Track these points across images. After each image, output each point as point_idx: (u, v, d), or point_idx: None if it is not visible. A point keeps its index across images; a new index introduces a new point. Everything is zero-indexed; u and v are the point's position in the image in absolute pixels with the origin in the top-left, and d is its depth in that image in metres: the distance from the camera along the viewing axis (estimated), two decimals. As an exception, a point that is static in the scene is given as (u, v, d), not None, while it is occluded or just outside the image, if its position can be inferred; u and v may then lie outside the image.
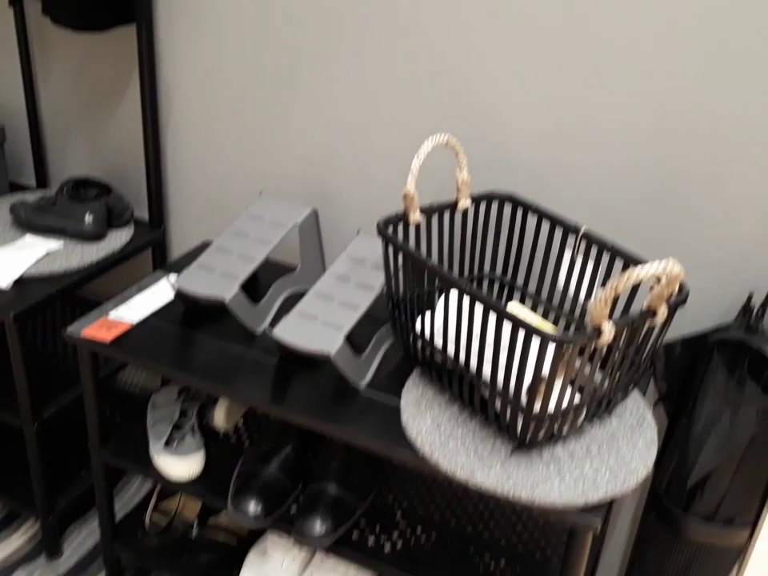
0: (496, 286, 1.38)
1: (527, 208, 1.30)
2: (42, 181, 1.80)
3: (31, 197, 1.70)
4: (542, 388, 1.07)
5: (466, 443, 1.13)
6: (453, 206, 1.29)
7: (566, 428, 1.13)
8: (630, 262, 1.16)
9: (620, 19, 1.20)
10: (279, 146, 1.52)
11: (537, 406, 1.07)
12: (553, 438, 1.14)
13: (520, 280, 1.39)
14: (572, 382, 1.12)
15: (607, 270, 1.20)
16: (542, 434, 1.10)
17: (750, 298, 1.23)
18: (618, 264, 1.25)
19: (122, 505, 1.80)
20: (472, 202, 1.31)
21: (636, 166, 1.28)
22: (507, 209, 1.39)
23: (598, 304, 0.99)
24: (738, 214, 1.24)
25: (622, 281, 0.96)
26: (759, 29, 1.13)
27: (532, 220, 1.38)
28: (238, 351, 1.31)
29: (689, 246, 1.30)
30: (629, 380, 1.16)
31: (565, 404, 1.09)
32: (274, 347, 1.31)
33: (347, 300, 1.25)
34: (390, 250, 1.19)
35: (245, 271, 1.31)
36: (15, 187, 1.80)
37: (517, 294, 1.36)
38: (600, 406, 1.15)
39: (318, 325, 1.21)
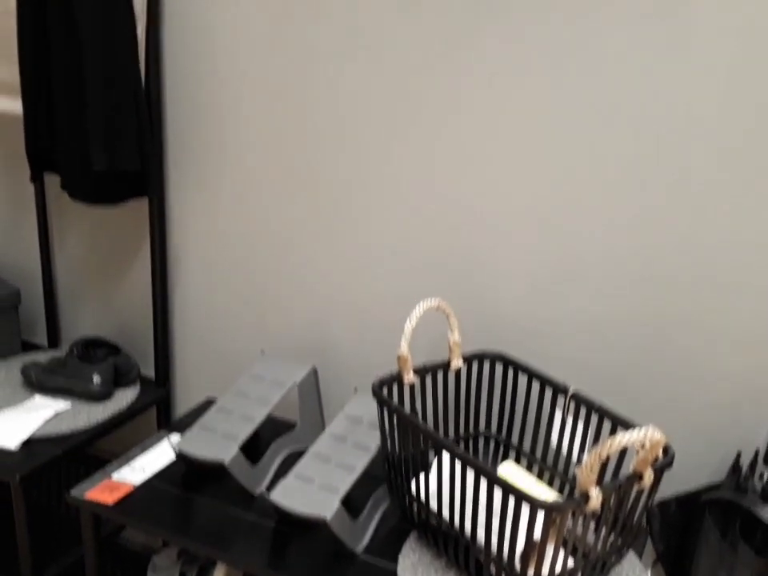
0: (492, 444, 1.41)
1: (517, 367, 1.35)
2: (54, 340, 1.87)
3: (42, 357, 1.76)
4: (535, 553, 1.08)
5: (462, 610, 1.13)
6: (446, 366, 1.35)
7: (561, 593, 1.13)
8: (618, 423, 1.20)
9: (603, 178, 1.29)
10: (280, 305, 1.59)
11: (530, 572, 1.08)
12: (549, 603, 1.14)
13: (515, 438, 1.42)
14: (565, 545, 1.13)
15: (597, 429, 1.23)
16: (537, 600, 1.10)
17: (738, 457, 1.26)
18: (607, 424, 1.28)
19: None
20: (464, 361, 1.36)
21: (623, 325, 1.34)
22: (498, 368, 1.44)
23: (584, 470, 1.01)
24: (725, 372, 1.29)
25: (605, 448, 1.00)
26: (745, 190, 1.21)
27: (523, 378, 1.42)
28: (236, 513, 1.32)
29: (677, 404, 1.34)
30: (622, 542, 1.16)
31: (558, 568, 1.09)
32: (272, 509, 1.33)
33: (344, 461, 1.28)
34: (385, 411, 1.23)
35: (244, 432, 1.35)
36: (27, 346, 1.87)
37: (512, 453, 1.39)
38: (594, 569, 1.15)
39: (314, 488, 1.23)
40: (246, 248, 1.59)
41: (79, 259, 1.79)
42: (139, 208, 1.67)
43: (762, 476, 1.25)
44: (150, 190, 1.56)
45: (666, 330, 1.30)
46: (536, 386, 1.40)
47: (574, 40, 1.23)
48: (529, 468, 1.36)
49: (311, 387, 1.49)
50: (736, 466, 1.26)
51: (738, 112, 1.17)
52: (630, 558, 1.25)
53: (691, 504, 1.33)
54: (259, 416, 1.39)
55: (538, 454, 1.38)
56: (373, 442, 1.32)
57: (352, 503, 1.31)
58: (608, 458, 1.21)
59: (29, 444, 1.47)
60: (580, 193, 1.30)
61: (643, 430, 1.01)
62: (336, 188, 1.47)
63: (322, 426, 1.54)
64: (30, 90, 1.47)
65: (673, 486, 1.38)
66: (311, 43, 1.41)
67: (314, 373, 1.50)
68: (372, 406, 1.40)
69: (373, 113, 1.40)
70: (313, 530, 1.29)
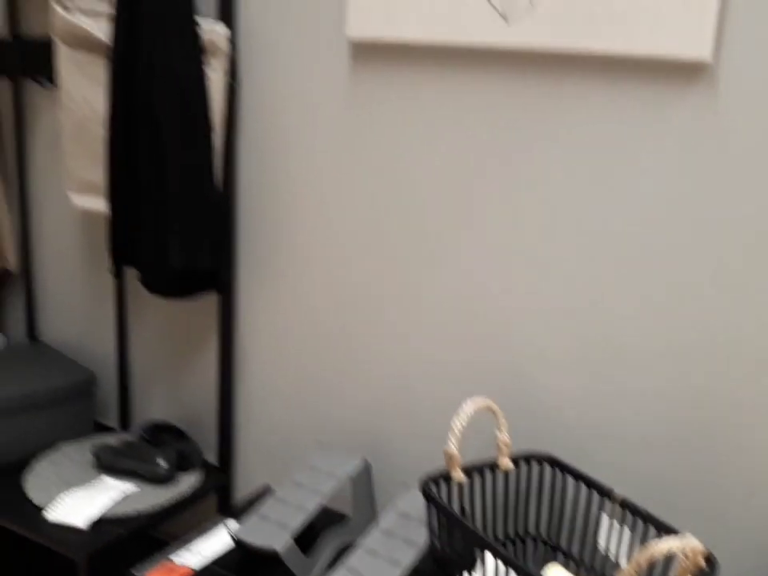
0: (540, 546, 1.43)
1: (565, 469, 1.38)
2: (125, 423, 1.97)
3: (112, 439, 1.86)
4: None
5: None
6: (494, 465, 1.38)
7: None
8: (662, 530, 1.21)
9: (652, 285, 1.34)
10: (337, 398, 1.66)
11: None
12: None
13: (563, 541, 1.43)
14: None
15: (643, 536, 1.25)
16: None
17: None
18: (653, 531, 1.29)
19: None
20: (513, 461, 1.40)
21: (671, 430, 1.36)
22: (547, 469, 1.47)
23: (625, 578, 1.03)
24: (770, 483, 1.29)
25: (643, 556, 1.02)
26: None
27: (571, 480, 1.45)
28: (288, 602, 1.37)
29: (724, 511, 1.34)
30: None
31: None
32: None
33: (392, 556, 1.32)
34: (432, 508, 1.27)
35: (297, 521, 1.40)
36: (100, 427, 1.98)
37: (560, 556, 1.40)
38: None
39: (363, 581, 1.27)
40: (305, 342, 1.67)
41: (152, 347, 1.90)
42: (209, 302, 1.78)
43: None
44: (219, 287, 1.68)
45: (712, 427, 1.32)
46: (584, 489, 1.42)
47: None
48: (576, 572, 1.36)
49: (364, 480, 1.54)
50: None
51: (780, 229, 1.22)
52: None
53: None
54: (312, 506, 1.44)
55: (586, 558, 1.39)
56: (421, 537, 1.36)
57: (399, 598, 1.34)
58: (652, 566, 1.22)
59: (97, 523, 1.55)
60: (622, 312, 1.35)
61: (680, 538, 1.03)
62: (392, 289, 1.55)
63: (373, 517, 1.58)
64: (114, 192, 1.61)
65: (724, 596, 1.37)
66: (378, 154, 1.51)
67: (368, 466, 1.55)
68: (421, 500, 1.44)
69: (438, 208, 1.49)
70: (360, 623, 1.32)
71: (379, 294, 1.57)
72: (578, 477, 1.36)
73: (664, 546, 1.03)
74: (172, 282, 1.65)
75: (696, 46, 1.22)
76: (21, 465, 1.75)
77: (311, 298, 1.65)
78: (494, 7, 1.32)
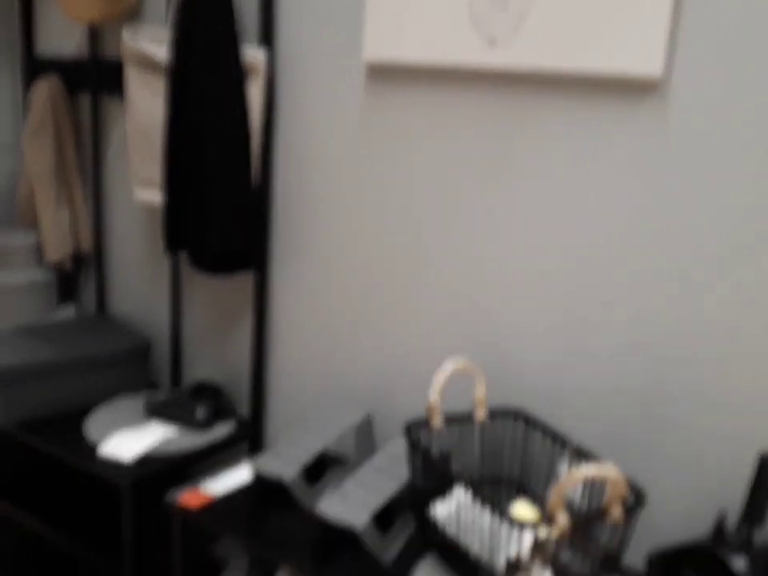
0: (513, 488, 1.65)
1: (533, 423, 1.60)
2: (176, 381, 2.28)
3: (162, 394, 2.17)
4: (518, 568, 1.31)
5: (457, 611, 1.37)
6: (471, 417, 1.62)
7: (543, 608, 1.35)
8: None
9: (627, 263, 1.56)
10: (351, 363, 1.92)
11: (510, 581, 1.31)
12: (532, 615, 1.35)
13: (531, 483, 1.66)
14: (551, 568, 1.35)
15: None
16: (518, 608, 1.33)
17: (721, 515, 1.44)
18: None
19: None
20: (488, 414, 1.63)
21: (623, 391, 1.57)
22: (519, 423, 1.69)
23: (553, 497, 1.26)
24: (717, 438, 1.49)
25: (569, 478, 1.24)
26: None
27: (539, 432, 1.67)
28: (295, 525, 1.62)
29: (671, 459, 1.54)
30: (601, 570, 1.37)
31: (536, 582, 1.32)
32: (323, 522, 1.62)
33: (378, 486, 1.57)
34: (413, 449, 1.52)
35: (304, 458, 1.67)
36: (153, 385, 2.29)
37: (529, 496, 1.63)
38: (572, 590, 1.37)
39: (351, 504, 1.52)
40: (327, 316, 1.94)
41: (199, 318, 2.21)
42: (246, 280, 2.07)
43: (739, 529, 1.42)
44: (254, 266, 1.96)
45: (665, 401, 1.53)
46: (549, 440, 1.64)
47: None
48: (541, 508, 1.58)
49: (366, 430, 1.80)
50: (719, 523, 1.44)
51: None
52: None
53: (677, 556, 1.50)
54: (318, 447, 1.70)
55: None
56: (404, 474, 1.60)
57: (384, 522, 1.58)
58: (591, 497, 1.44)
59: (141, 459, 1.85)
60: (605, 279, 1.58)
61: (599, 466, 1.25)
62: (404, 261, 1.81)
63: (375, 465, 1.83)
64: (168, 186, 1.92)
65: (663, 537, 1.57)
66: (396, 156, 1.78)
67: (370, 419, 1.81)
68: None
69: (435, 204, 1.74)
70: (353, 541, 1.57)
71: (385, 276, 1.83)
72: (544, 429, 1.59)
73: (585, 471, 1.25)
74: (213, 261, 1.94)
75: (647, 63, 1.42)
76: (83, 413, 2.07)
77: (334, 279, 1.92)
78: (480, 33, 1.57)
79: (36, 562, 2.26)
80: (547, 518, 1.27)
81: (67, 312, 2.42)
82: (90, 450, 1.89)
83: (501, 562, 1.32)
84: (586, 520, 1.31)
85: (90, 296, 2.48)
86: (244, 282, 2.09)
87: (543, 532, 1.30)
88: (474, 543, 1.39)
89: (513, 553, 1.30)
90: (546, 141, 1.57)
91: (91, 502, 2.15)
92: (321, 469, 1.78)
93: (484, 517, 1.36)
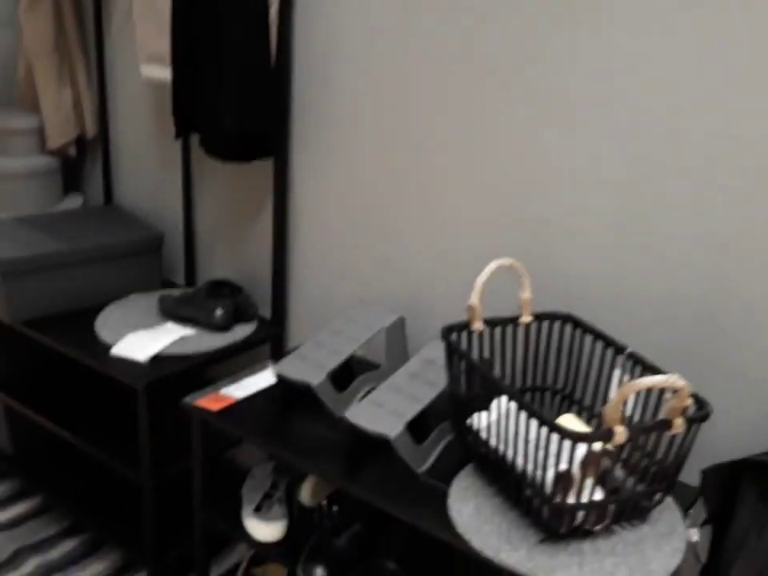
0: (557, 398, 1.53)
1: (583, 327, 1.46)
2: (190, 280, 2.15)
3: (177, 292, 2.04)
4: (567, 482, 1.19)
5: (501, 529, 1.26)
6: (515, 321, 1.48)
7: (595, 525, 1.24)
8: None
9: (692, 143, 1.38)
10: (382, 261, 1.77)
11: (560, 497, 1.20)
12: (582, 533, 1.25)
13: (578, 393, 1.53)
14: (602, 484, 1.24)
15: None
16: (568, 525, 1.22)
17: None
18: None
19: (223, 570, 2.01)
20: (534, 319, 1.49)
21: (682, 300, 1.42)
22: (567, 327, 1.55)
23: (611, 408, 1.13)
24: (778, 345, 1.35)
25: (629, 388, 1.10)
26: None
27: (588, 338, 1.53)
28: (322, 432, 1.52)
29: (732, 373, 1.40)
30: (655, 488, 1.26)
31: (586, 497, 1.20)
32: (351, 430, 1.51)
33: (413, 393, 1.44)
34: (451, 354, 1.38)
35: (333, 362, 1.54)
36: (167, 284, 2.16)
37: (575, 407, 1.50)
38: (625, 508, 1.25)
39: (384, 412, 1.40)
40: (353, 209, 1.78)
41: (215, 210, 2.05)
42: (265, 167, 1.90)
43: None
44: (274, 151, 1.79)
45: (726, 312, 1.37)
46: (599, 345, 1.50)
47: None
48: (587, 422, 1.46)
49: (398, 333, 1.67)
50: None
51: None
52: (672, 508, 1.34)
53: (740, 468, 1.39)
54: (347, 351, 1.57)
55: (597, 409, 1.48)
56: (442, 380, 1.48)
57: (419, 431, 1.47)
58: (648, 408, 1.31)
59: (156, 360, 1.73)
60: (666, 161, 1.39)
61: (666, 377, 1.11)
62: (433, 155, 1.63)
63: (405, 368, 1.71)
64: (178, 60, 1.72)
65: (728, 453, 1.44)
66: (423, 34, 1.57)
67: (402, 321, 1.67)
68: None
69: (469, 90, 1.55)
70: (384, 450, 1.46)
71: (422, 169, 1.65)
72: (595, 334, 1.44)
73: (648, 381, 1.11)
74: (229, 145, 1.76)
75: None
76: (95, 311, 1.95)
77: (358, 168, 1.74)
78: None
79: (61, 468, 2.19)
80: (601, 430, 1.14)
81: (73, 202, 2.27)
82: (104, 349, 1.77)
83: (548, 477, 1.21)
84: (646, 432, 1.18)
85: (97, 185, 2.31)
86: (262, 171, 1.91)
87: (597, 445, 1.18)
88: (518, 456, 1.28)
89: (561, 467, 1.18)
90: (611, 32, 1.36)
91: (107, 404, 2.06)
92: (349, 374, 1.66)
93: (530, 428, 1.24)
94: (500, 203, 1.57)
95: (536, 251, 1.56)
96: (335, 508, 1.65)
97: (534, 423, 1.31)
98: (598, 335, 1.44)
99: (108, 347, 1.77)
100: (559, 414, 1.52)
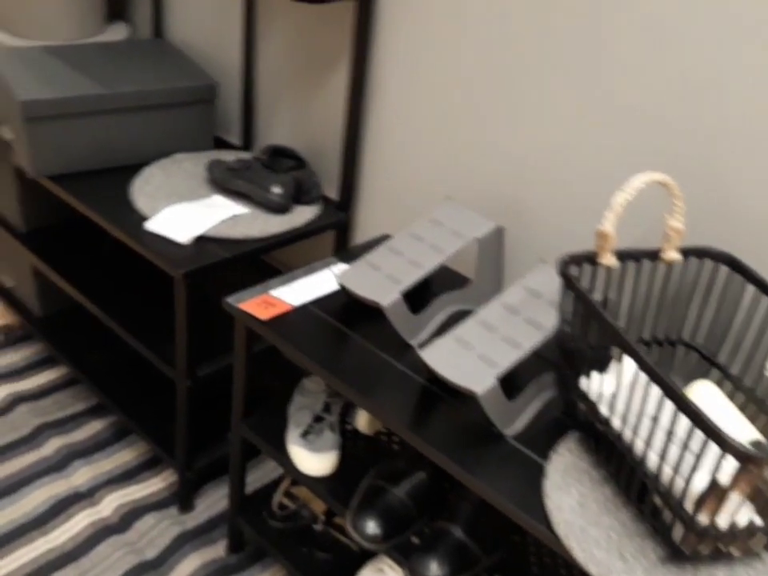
0: (694, 356, 1.19)
1: (747, 275, 1.10)
2: (247, 142, 1.81)
3: (230, 156, 1.71)
4: (714, 499, 0.89)
5: (610, 536, 0.97)
6: (656, 256, 1.12)
7: (736, 550, 0.94)
8: None
9: None
10: (474, 155, 1.40)
11: (703, 518, 0.89)
12: (718, 556, 0.95)
13: (723, 356, 1.18)
14: (753, 500, 0.93)
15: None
16: (704, 549, 0.92)
17: None
18: None
19: (257, 477, 1.79)
20: (681, 255, 1.13)
21: None
22: (723, 269, 1.18)
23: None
24: None
25: None
26: None
27: (749, 289, 1.16)
28: (387, 360, 1.22)
29: None
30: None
31: (741, 524, 0.90)
32: (423, 365, 1.21)
33: (511, 336, 1.12)
34: (570, 292, 1.05)
35: (410, 278, 1.22)
36: (221, 143, 1.83)
37: (715, 372, 1.16)
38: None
39: (471, 357, 1.09)
40: (447, 85, 1.39)
41: (280, 61, 1.67)
42: (345, 10, 1.50)
43: None
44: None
45: None
46: (765, 300, 1.14)
47: None
48: (731, 394, 1.13)
49: (494, 246, 1.32)
50: None
51: None
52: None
53: None
54: (429, 264, 1.25)
55: (747, 381, 1.14)
56: (549, 321, 1.15)
57: (511, 382, 1.17)
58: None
59: (200, 241, 1.44)
60: None
61: None
62: (556, 32, 1.21)
63: (498, 289, 1.38)
64: None
65: None
66: None
67: (500, 232, 1.32)
68: (556, 282, 1.21)
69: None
70: (463, 398, 1.16)
71: (541, 45, 1.24)
72: (761, 284, 1.08)
73: None
74: (305, -22, 1.37)
75: None
76: (132, 170, 1.64)
77: (462, 36, 1.33)
78: None
79: (91, 339, 1.97)
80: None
81: (117, 32, 1.91)
82: (138, 221, 1.48)
83: (692, 488, 0.90)
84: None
85: (145, 15, 1.95)
86: (341, 13, 1.51)
87: (761, 459, 0.86)
88: (651, 451, 0.96)
89: (710, 477, 0.87)
90: None
91: (146, 281, 1.79)
92: (426, 289, 1.34)
93: (663, 408, 0.92)
94: (648, 90, 1.17)
95: (687, 165, 1.17)
96: (396, 446, 1.38)
97: (667, 407, 0.99)
98: (763, 284, 1.08)
99: (143, 219, 1.48)
100: (692, 377, 1.19)
